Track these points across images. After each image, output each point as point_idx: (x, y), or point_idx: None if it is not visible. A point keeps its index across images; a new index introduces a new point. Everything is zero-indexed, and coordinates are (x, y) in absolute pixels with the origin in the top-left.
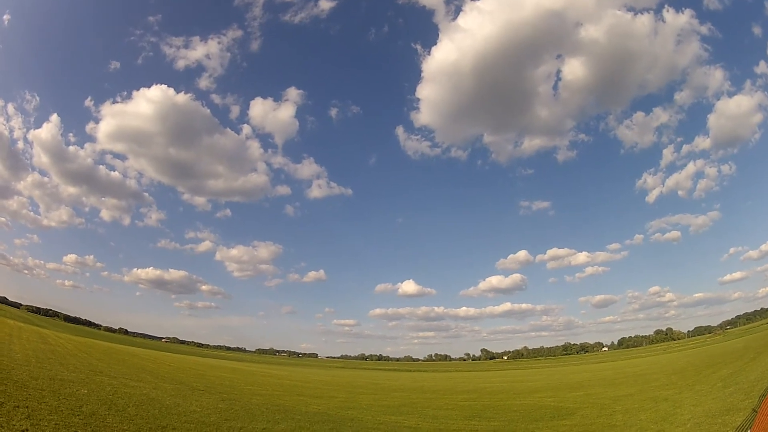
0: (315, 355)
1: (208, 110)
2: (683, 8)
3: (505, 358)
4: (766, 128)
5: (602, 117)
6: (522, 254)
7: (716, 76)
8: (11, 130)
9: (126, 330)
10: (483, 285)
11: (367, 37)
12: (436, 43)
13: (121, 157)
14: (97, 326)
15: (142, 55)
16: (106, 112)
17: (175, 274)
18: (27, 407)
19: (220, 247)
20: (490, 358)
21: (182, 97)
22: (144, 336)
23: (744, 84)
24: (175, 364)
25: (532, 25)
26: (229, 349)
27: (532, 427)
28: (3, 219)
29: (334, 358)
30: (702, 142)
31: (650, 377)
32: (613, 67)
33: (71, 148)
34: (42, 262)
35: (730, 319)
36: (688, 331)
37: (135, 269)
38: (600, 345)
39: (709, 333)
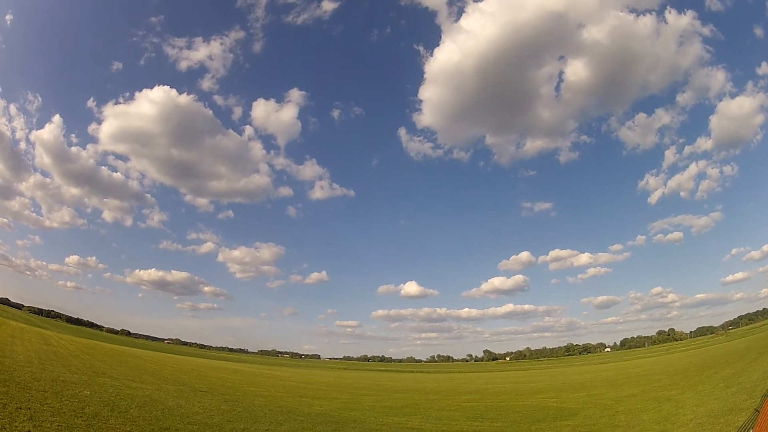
0: (317, 357)
1: (211, 111)
2: (685, 9)
3: (508, 359)
4: (767, 129)
5: (604, 118)
6: (524, 255)
7: (718, 78)
8: (13, 131)
9: (128, 331)
10: (485, 286)
11: (369, 38)
12: (438, 45)
13: (123, 158)
14: (100, 327)
15: (144, 56)
16: (108, 112)
17: (177, 275)
18: (29, 409)
19: (223, 249)
20: (493, 359)
21: (185, 98)
22: (146, 337)
23: (746, 85)
24: (178, 365)
25: (534, 26)
26: (231, 350)
27: (535, 427)
28: (5, 220)
29: (337, 359)
30: (704, 143)
31: (653, 378)
32: (615, 69)
33: (73, 149)
34: (44, 263)
35: (732, 319)
36: (691, 332)
37: (137, 270)
38: (602, 346)
39: (712, 333)
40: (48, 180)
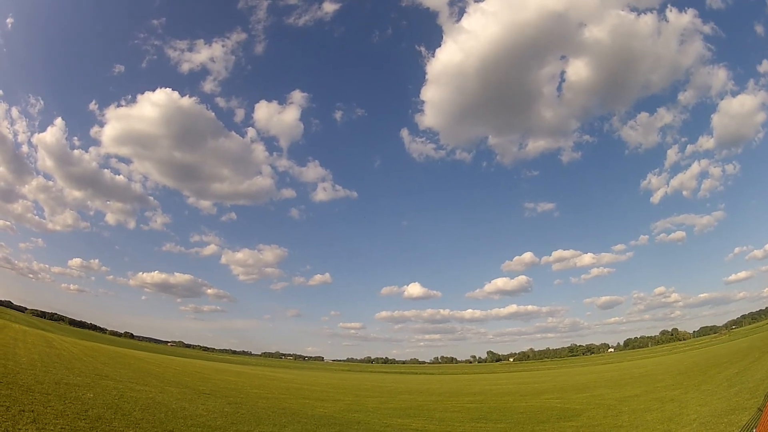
0: (321, 358)
1: (213, 113)
2: (686, 8)
3: (511, 360)
4: None
5: (606, 118)
6: (527, 256)
7: (719, 76)
8: (15, 134)
9: (131, 334)
10: (488, 287)
11: (371, 39)
12: (440, 45)
13: (125, 160)
14: (103, 330)
15: (146, 58)
16: (110, 115)
17: (180, 277)
18: (32, 411)
19: (226, 251)
20: (496, 360)
21: (187, 101)
22: (149, 340)
23: (747, 83)
24: (181, 367)
25: (535, 26)
26: (234, 352)
27: (539, 428)
28: (8, 223)
29: (340, 361)
30: (706, 142)
31: (656, 378)
32: (616, 68)
33: (76, 151)
34: (47, 266)
35: (735, 318)
36: (694, 332)
37: (140, 273)
38: (606, 346)
39: (715, 333)
40: (50, 183)
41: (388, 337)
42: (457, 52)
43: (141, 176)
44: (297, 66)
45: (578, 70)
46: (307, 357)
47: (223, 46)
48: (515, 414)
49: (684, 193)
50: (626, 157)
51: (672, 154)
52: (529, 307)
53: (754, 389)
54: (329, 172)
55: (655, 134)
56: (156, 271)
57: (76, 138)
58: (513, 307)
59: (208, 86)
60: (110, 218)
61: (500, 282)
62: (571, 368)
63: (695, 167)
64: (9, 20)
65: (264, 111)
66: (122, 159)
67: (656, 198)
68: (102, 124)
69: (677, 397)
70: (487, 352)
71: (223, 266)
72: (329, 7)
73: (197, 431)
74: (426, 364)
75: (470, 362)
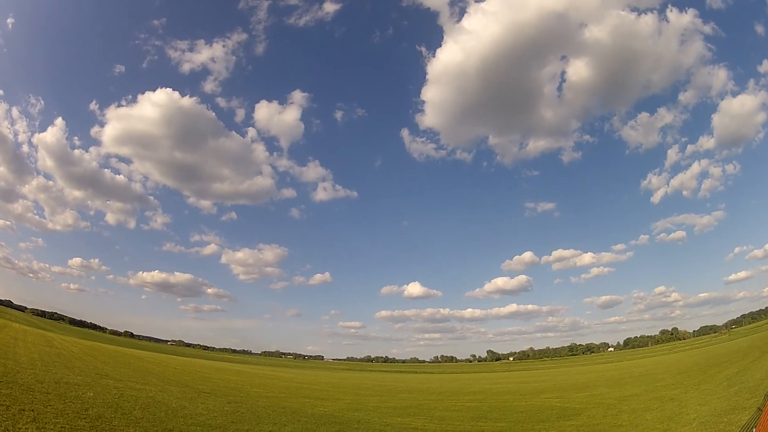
0: (321, 358)
1: (214, 113)
2: (686, 8)
3: (511, 359)
4: None
5: (607, 118)
6: (527, 255)
7: (720, 76)
8: (16, 134)
9: (131, 333)
10: (489, 286)
11: (371, 39)
12: (440, 45)
13: (126, 160)
14: (103, 329)
15: (147, 58)
16: (111, 115)
17: (180, 277)
18: (32, 410)
19: (226, 250)
20: (496, 360)
21: (187, 101)
22: (149, 339)
23: (747, 83)
24: (181, 366)
25: (536, 26)
26: (234, 351)
27: (539, 427)
28: (8, 222)
29: (340, 360)
30: (706, 142)
31: (656, 377)
32: (617, 68)
33: (76, 151)
34: (47, 265)
35: (735, 318)
36: (694, 331)
37: (140, 272)
38: (606, 345)
39: (715, 332)
40: (51, 183)
41: (388, 336)
42: (458, 52)
43: (141, 176)
44: (297, 66)
45: (579, 70)
46: (307, 356)
47: (223, 46)
48: (515, 413)
49: (684, 193)
50: (627, 157)
51: (672, 154)
52: (529, 307)
53: (754, 389)
54: (329, 172)
55: (655, 134)
56: (156, 271)
57: (76, 138)
58: (513, 307)
59: (209, 86)
60: (110, 218)
61: (500, 281)
62: (571, 367)
63: (695, 167)
64: (9, 20)
65: (264, 111)
66: (123, 159)
67: (656, 198)
68: (102, 124)
69: (677, 396)
70: (487, 351)
71: (223, 266)
72: (330, 8)
73: (197, 430)
74: (426, 363)
75: (470, 361)
